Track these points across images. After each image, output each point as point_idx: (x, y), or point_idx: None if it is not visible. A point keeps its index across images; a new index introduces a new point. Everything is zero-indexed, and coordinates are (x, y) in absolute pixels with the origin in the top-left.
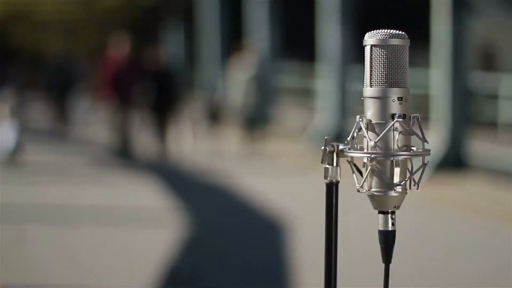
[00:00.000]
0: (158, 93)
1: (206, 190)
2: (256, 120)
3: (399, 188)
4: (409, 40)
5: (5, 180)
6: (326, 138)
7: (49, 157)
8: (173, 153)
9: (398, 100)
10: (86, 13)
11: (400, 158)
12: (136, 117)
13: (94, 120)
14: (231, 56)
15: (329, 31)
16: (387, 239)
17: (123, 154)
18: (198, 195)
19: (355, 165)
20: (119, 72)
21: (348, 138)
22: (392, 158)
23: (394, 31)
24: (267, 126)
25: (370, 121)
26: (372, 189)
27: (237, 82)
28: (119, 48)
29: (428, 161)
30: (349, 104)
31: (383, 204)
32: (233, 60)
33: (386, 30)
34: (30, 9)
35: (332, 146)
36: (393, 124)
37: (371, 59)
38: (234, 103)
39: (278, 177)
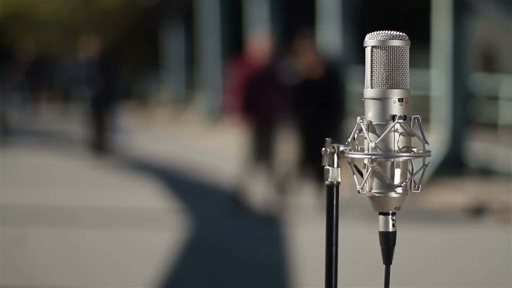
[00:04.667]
0: (314, 112)
1: (206, 191)
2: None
3: (399, 190)
4: (409, 42)
5: (6, 181)
6: (326, 140)
7: (51, 159)
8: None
9: (399, 101)
10: (86, 14)
11: (401, 159)
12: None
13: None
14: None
15: (330, 32)
16: (388, 240)
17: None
18: (199, 196)
19: (355, 167)
20: (257, 81)
21: (349, 140)
22: (392, 160)
23: (395, 32)
24: None
25: (371, 122)
26: (373, 191)
27: None
28: (260, 47)
29: (428, 163)
30: (349, 105)
31: (383, 206)
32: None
33: (386, 31)
34: (30, 10)
35: (333, 147)
36: (393, 125)
37: (371, 60)
38: None
39: None
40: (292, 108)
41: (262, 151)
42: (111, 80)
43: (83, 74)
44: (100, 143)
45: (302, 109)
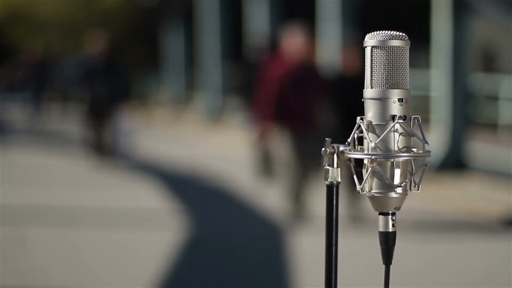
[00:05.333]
0: (348, 116)
1: (206, 191)
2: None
3: (399, 190)
4: (409, 42)
5: (6, 181)
6: (326, 140)
7: (51, 159)
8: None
9: (399, 101)
10: (86, 14)
11: (401, 159)
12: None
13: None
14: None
15: (330, 32)
16: (388, 241)
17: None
18: (199, 196)
19: (355, 167)
20: (293, 80)
21: (349, 140)
22: (392, 160)
23: (395, 32)
24: None
25: (371, 122)
26: (373, 191)
27: None
28: (295, 44)
29: (428, 163)
30: None
31: (383, 206)
32: None
33: (386, 32)
34: (30, 10)
35: (333, 147)
36: (393, 126)
37: (371, 60)
38: None
39: None
40: (330, 108)
41: (301, 156)
42: (116, 79)
43: (83, 72)
44: (103, 146)
45: (339, 109)
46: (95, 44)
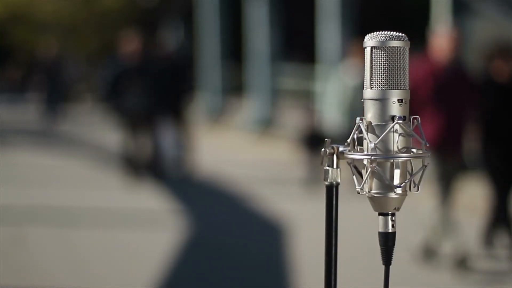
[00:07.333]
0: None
1: (206, 191)
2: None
3: (399, 190)
4: (409, 42)
5: (6, 181)
6: (326, 140)
7: (51, 159)
8: None
9: (398, 102)
10: (86, 14)
11: (400, 160)
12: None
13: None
14: (345, 57)
15: (329, 33)
16: (387, 241)
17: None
18: (199, 196)
19: (355, 167)
20: (442, 85)
21: (348, 140)
22: (392, 160)
23: (394, 33)
24: (267, 128)
25: (370, 123)
26: (372, 191)
27: (340, 89)
28: (443, 43)
29: (428, 163)
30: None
31: (383, 206)
32: (345, 61)
33: (386, 32)
34: (30, 10)
35: (332, 148)
36: (393, 126)
37: (371, 61)
38: (330, 117)
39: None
40: (482, 123)
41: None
42: (154, 87)
43: (116, 74)
44: (139, 159)
45: (494, 125)
46: (129, 45)
